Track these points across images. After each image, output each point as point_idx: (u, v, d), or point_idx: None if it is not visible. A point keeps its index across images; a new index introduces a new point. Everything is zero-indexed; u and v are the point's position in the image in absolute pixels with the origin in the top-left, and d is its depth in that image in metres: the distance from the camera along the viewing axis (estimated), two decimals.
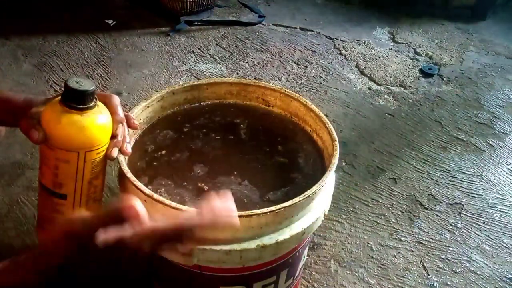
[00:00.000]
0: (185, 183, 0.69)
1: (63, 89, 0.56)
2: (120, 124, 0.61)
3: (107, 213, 0.47)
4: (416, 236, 1.08)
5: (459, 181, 1.24)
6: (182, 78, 1.57)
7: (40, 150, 0.59)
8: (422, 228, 1.10)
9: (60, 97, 0.56)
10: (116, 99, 0.61)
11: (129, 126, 0.64)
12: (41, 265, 0.48)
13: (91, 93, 0.55)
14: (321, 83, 1.60)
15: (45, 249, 0.48)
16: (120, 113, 0.61)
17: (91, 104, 0.56)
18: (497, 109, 1.55)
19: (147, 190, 0.60)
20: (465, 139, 1.40)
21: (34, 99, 0.61)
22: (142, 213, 0.46)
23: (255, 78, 1.58)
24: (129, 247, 0.46)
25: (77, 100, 0.55)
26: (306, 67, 1.68)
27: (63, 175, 0.59)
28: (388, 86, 1.62)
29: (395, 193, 1.19)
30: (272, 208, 0.59)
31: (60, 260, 0.48)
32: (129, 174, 0.62)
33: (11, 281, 0.48)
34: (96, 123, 0.57)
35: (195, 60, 1.67)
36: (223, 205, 0.49)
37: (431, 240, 1.07)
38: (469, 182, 1.24)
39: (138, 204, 0.46)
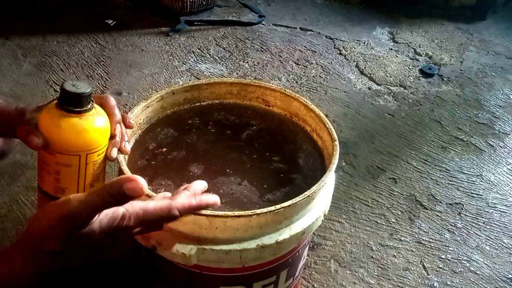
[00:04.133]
0: (185, 183, 0.69)
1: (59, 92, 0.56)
2: (118, 125, 0.61)
3: (105, 189, 0.44)
4: (416, 236, 1.08)
5: (459, 181, 1.24)
6: (182, 78, 1.57)
7: (39, 156, 0.59)
8: (422, 228, 1.10)
9: (55, 102, 0.56)
10: (112, 100, 0.62)
11: (125, 126, 0.65)
12: (32, 253, 0.45)
13: (88, 95, 0.55)
14: (321, 83, 1.60)
15: (36, 235, 0.44)
16: (117, 113, 0.62)
17: (89, 107, 0.56)
18: (497, 109, 1.55)
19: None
20: (465, 139, 1.40)
21: (26, 107, 0.62)
22: (144, 185, 0.44)
23: (255, 78, 1.58)
24: (124, 230, 0.46)
25: (75, 104, 0.55)
26: (306, 67, 1.68)
27: (65, 180, 0.58)
28: (388, 86, 1.62)
29: (395, 193, 1.19)
30: (272, 208, 0.59)
31: (55, 246, 0.44)
32: (129, 174, 0.62)
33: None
34: (95, 125, 0.57)
35: (195, 60, 1.67)
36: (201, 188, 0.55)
37: (431, 240, 1.07)
38: (469, 182, 1.24)
39: (139, 178, 0.45)
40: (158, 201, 0.49)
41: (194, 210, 0.52)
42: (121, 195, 0.43)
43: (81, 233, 0.44)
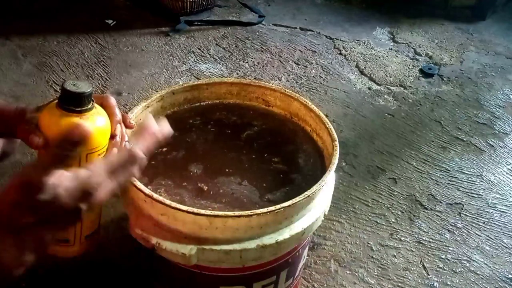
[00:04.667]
0: (185, 183, 0.69)
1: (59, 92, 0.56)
2: (118, 124, 0.62)
3: (56, 145, 0.45)
4: (416, 236, 1.08)
5: (459, 181, 1.24)
6: (182, 78, 1.57)
7: (38, 155, 0.59)
8: (422, 228, 1.10)
9: (56, 101, 0.56)
10: (112, 100, 0.62)
11: (125, 126, 0.65)
12: (6, 234, 0.44)
13: (89, 95, 0.55)
14: (321, 83, 1.60)
15: (3, 215, 0.43)
16: (118, 113, 0.62)
17: (89, 106, 0.56)
18: (497, 109, 1.55)
19: (147, 190, 0.60)
20: (465, 139, 1.40)
21: (26, 107, 0.62)
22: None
23: (255, 78, 1.58)
24: (95, 185, 0.46)
25: (75, 103, 0.55)
26: (306, 67, 1.68)
27: None
28: (388, 86, 1.62)
29: (395, 193, 1.19)
30: (272, 208, 0.59)
31: (24, 219, 0.43)
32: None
33: None
34: (96, 124, 0.57)
35: (195, 60, 1.67)
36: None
37: (431, 240, 1.07)
38: (469, 182, 1.24)
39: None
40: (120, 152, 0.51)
41: (155, 144, 0.53)
42: (67, 141, 0.44)
43: (44, 200, 0.43)
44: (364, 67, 1.71)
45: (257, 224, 0.60)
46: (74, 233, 0.64)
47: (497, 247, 1.07)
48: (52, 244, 0.63)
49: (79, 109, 0.55)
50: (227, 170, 0.72)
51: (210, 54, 1.71)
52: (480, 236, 1.09)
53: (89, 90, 0.55)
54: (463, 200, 1.19)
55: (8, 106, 0.62)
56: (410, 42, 1.90)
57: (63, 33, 1.75)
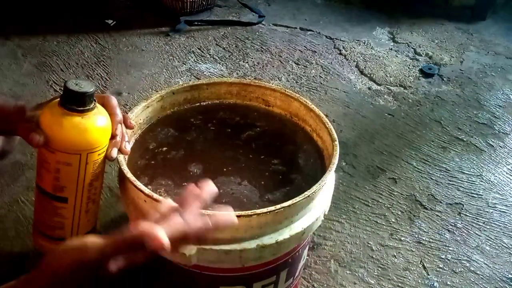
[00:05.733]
0: (185, 183, 0.69)
1: (62, 91, 0.56)
2: (119, 125, 0.61)
3: (123, 241, 0.45)
4: (416, 236, 1.08)
5: (459, 181, 1.24)
6: (182, 78, 1.57)
7: (38, 154, 0.59)
8: (422, 228, 1.10)
9: (58, 100, 0.56)
10: (113, 100, 0.62)
11: (126, 126, 0.65)
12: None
13: (91, 94, 0.55)
14: (321, 83, 1.60)
15: (56, 275, 0.44)
16: (119, 113, 0.62)
17: (91, 106, 0.56)
18: (497, 109, 1.55)
19: (147, 190, 0.60)
20: (465, 139, 1.40)
21: (25, 104, 0.61)
22: (167, 244, 0.44)
23: (255, 78, 1.58)
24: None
25: (77, 103, 0.55)
26: (306, 67, 1.68)
27: (65, 178, 0.58)
28: (388, 86, 1.62)
29: (395, 193, 1.19)
30: (272, 208, 0.59)
31: (76, 285, 0.45)
32: (129, 174, 0.62)
33: None
34: (97, 124, 0.57)
35: (195, 60, 1.67)
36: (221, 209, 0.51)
37: (431, 240, 1.07)
38: (469, 182, 1.24)
39: (161, 233, 0.44)
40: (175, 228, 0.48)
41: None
42: (139, 247, 0.44)
43: (99, 275, 0.45)
44: (364, 67, 1.71)
45: (257, 224, 0.60)
46: (71, 232, 0.64)
47: (497, 247, 1.07)
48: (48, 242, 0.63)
49: (82, 108, 0.55)
50: (227, 170, 0.72)
51: (210, 54, 1.71)
52: (480, 236, 1.09)
53: (91, 89, 0.55)
54: (463, 200, 1.19)
55: (7, 103, 0.62)
56: (410, 42, 1.90)
57: (63, 33, 1.75)
